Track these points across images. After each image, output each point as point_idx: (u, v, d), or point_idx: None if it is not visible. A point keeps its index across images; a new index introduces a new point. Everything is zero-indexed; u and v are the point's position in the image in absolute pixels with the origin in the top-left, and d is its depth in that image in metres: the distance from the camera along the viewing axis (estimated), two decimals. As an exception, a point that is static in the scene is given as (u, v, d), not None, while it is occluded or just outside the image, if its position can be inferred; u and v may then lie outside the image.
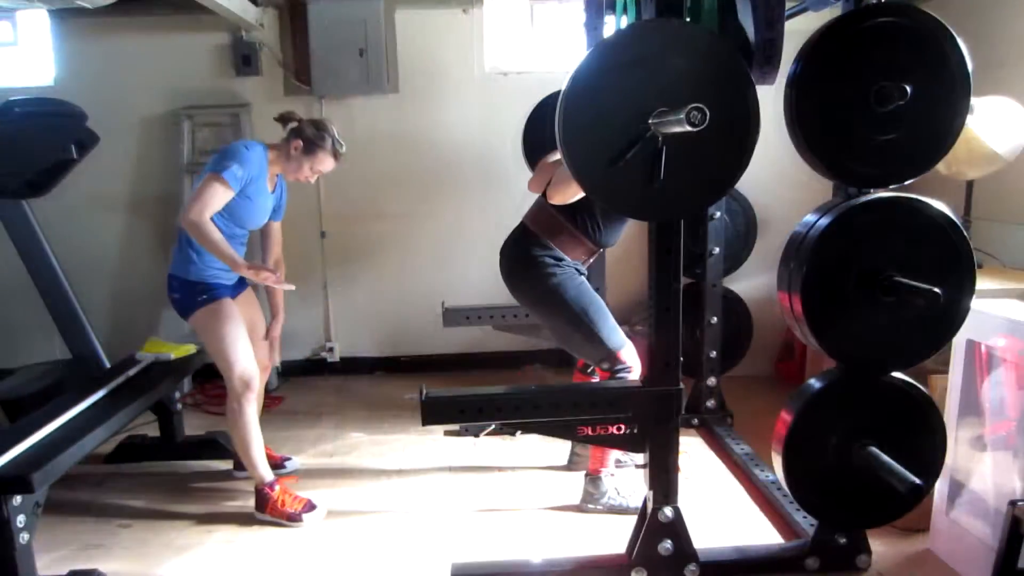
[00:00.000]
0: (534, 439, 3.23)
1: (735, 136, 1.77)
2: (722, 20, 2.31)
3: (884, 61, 1.81)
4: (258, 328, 2.88)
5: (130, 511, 2.75)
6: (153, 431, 3.23)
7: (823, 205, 1.98)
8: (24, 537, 2.05)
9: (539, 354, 4.36)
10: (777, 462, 2.05)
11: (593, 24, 2.77)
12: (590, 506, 2.64)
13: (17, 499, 2.02)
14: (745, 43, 2.29)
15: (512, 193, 4.09)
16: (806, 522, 2.35)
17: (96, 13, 3.38)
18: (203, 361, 3.21)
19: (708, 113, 1.55)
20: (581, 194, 2.31)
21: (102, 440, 2.40)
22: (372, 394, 4.03)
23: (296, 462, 3.09)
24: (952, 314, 1.92)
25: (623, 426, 2.07)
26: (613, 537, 2.40)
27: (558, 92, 1.76)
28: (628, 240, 2.96)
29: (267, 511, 2.60)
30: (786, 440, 2.00)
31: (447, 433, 3.40)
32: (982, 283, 2.12)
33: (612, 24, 2.75)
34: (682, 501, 2.11)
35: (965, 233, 1.89)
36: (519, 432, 3.27)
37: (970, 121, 2.31)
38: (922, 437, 2.01)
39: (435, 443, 3.32)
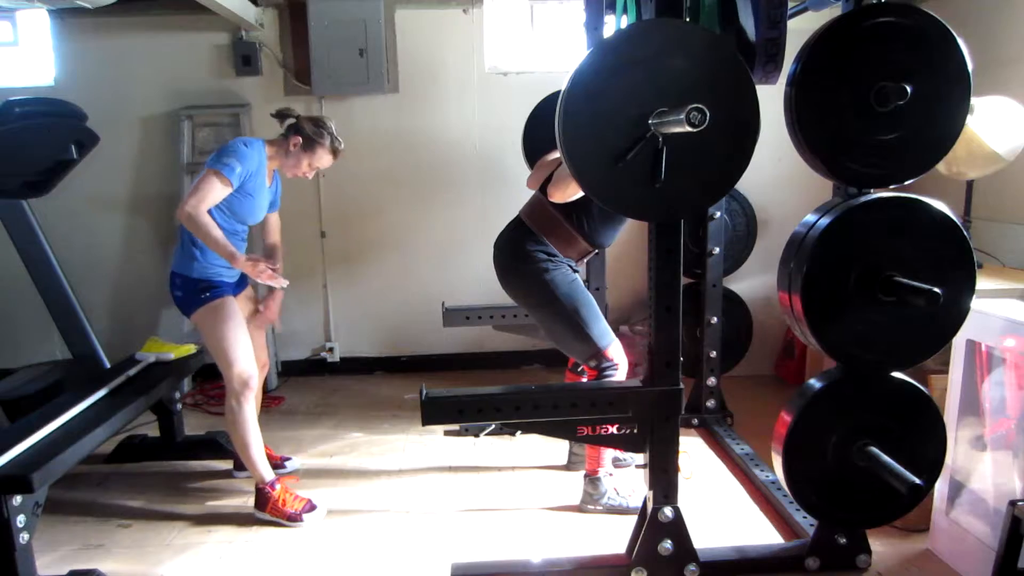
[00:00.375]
0: (534, 439, 3.24)
1: (735, 136, 1.77)
2: (722, 20, 2.31)
3: (884, 61, 1.81)
4: (261, 326, 2.88)
5: (130, 511, 2.75)
6: (153, 431, 3.23)
7: (823, 205, 1.98)
8: (24, 537, 2.05)
9: (539, 354, 4.37)
10: (777, 462, 2.05)
11: (593, 24, 2.77)
12: (590, 507, 2.64)
13: (17, 499, 2.02)
14: (746, 43, 2.29)
15: (512, 193, 4.08)
16: (806, 522, 2.35)
17: (96, 13, 3.39)
18: (203, 361, 3.22)
19: (708, 113, 1.55)
20: (580, 193, 2.31)
21: (102, 440, 2.40)
22: (372, 394, 4.03)
23: (296, 462, 3.09)
24: (952, 314, 1.92)
25: (623, 426, 2.08)
26: (613, 537, 2.40)
27: (558, 92, 1.76)
28: (628, 240, 2.96)
29: (267, 510, 2.60)
30: (786, 440, 2.00)
31: (447, 433, 3.40)
32: (982, 283, 2.13)
33: (612, 24, 2.75)
34: (682, 501, 2.11)
35: (965, 233, 1.89)
36: (519, 432, 3.27)
37: (970, 121, 2.32)
38: (922, 437, 2.01)
39: (435, 443, 3.32)
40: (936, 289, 1.73)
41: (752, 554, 2.23)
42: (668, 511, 2.08)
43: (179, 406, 3.20)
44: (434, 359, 4.36)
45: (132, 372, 2.86)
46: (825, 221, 1.89)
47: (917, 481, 1.80)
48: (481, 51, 4.06)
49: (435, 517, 2.65)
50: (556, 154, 2.47)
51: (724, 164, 1.81)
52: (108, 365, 3.21)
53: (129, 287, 4.16)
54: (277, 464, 2.93)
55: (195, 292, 2.57)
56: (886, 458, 1.91)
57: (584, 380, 2.67)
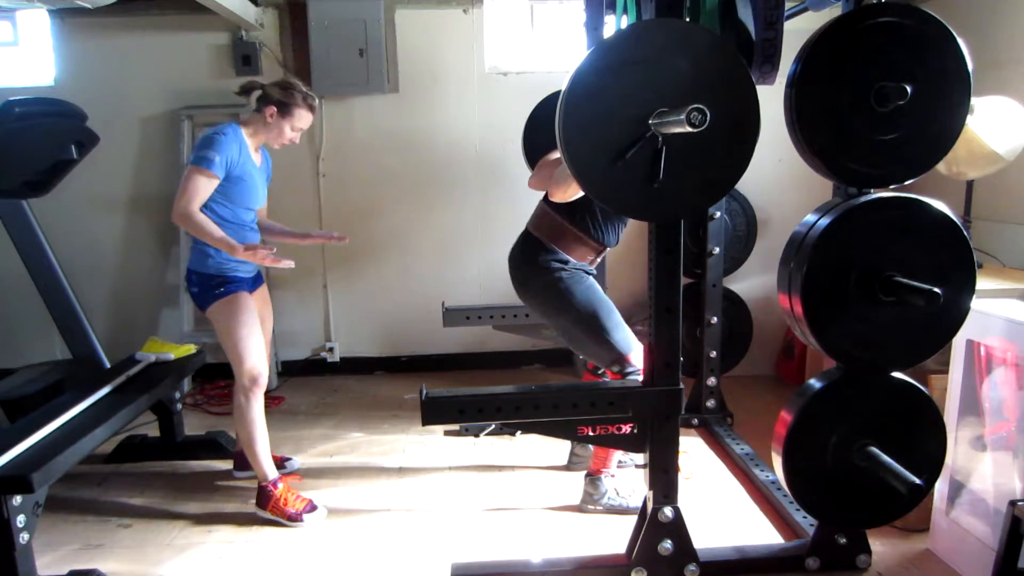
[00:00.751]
0: (534, 439, 3.24)
1: (735, 136, 1.77)
2: (722, 20, 2.31)
3: (884, 61, 1.81)
4: (267, 326, 2.88)
5: (130, 511, 2.75)
6: (153, 431, 3.23)
7: (823, 205, 1.98)
8: (24, 537, 2.05)
9: (539, 354, 4.37)
10: (777, 462, 2.05)
11: (593, 24, 2.77)
12: (590, 506, 2.64)
13: (17, 499, 2.02)
14: (746, 43, 2.29)
15: (512, 193, 4.10)
16: (806, 522, 2.35)
17: (96, 13, 3.39)
18: (203, 361, 3.22)
19: (708, 113, 1.55)
20: (581, 193, 2.31)
21: (102, 440, 2.40)
22: (372, 394, 4.03)
23: (296, 462, 3.09)
24: (952, 314, 1.92)
25: (623, 426, 2.08)
26: (613, 537, 2.40)
27: (558, 92, 1.76)
28: (628, 240, 2.96)
29: (268, 508, 2.60)
30: (786, 440, 2.00)
31: (447, 433, 3.40)
32: (982, 283, 2.12)
33: (612, 24, 2.75)
34: (682, 501, 2.12)
35: (965, 233, 1.89)
36: (519, 432, 3.27)
37: (970, 121, 2.31)
38: (922, 437, 2.01)
39: (435, 443, 3.32)
40: (936, 289, 1.73)
41: (752, 554, 2.23)
42: (668, 511, 2.09)
43: (179, 406, 3.20)
44: (434, 359, 4.36)
45: (132, 372, 2.86)
46: (825, 221, 1.89)
47: (917, 481, 1.80)
48: (481, 51, 4.06)
49: (435, 517, 2.65)
50: (557, 153, 2.47)
51: (724, 164, 1.81)
52: (108, 365, 3.21)
53: (129, 287, 4.16)
54: (278, 464, 2.92)
55: (210, 287, 2.58)
56: (886, 458, 1.91)
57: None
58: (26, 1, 3.03)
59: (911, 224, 1.88)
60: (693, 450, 3.11)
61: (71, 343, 3.32)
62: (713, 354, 3.32)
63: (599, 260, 2.56)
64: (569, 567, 2.19)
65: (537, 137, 3.29)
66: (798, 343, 3.98)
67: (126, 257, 4.15)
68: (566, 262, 2.44)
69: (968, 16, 3.28)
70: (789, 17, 2.28)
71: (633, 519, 2.21)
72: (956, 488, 2.26)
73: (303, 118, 2.62)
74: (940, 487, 2.25)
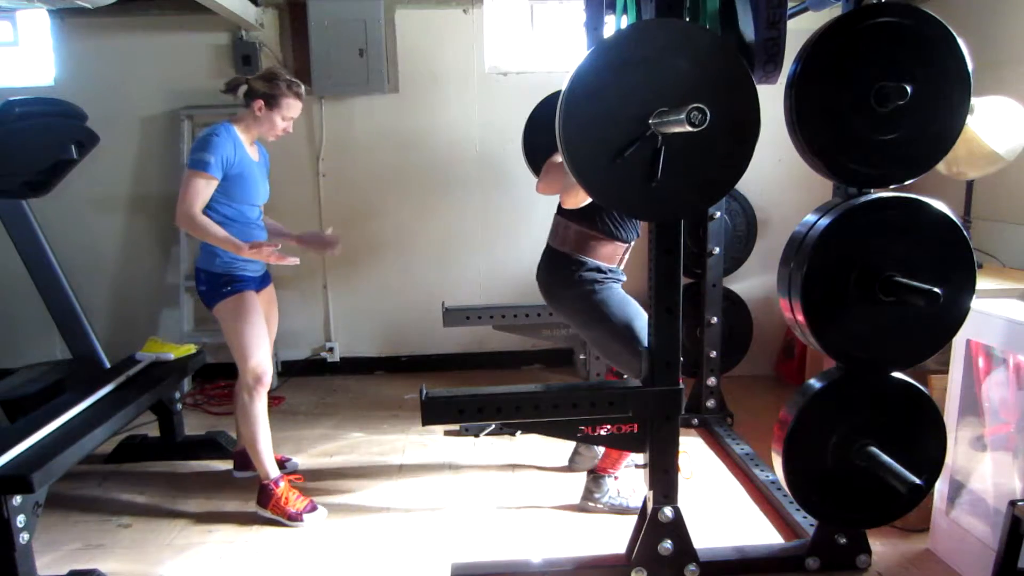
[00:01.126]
0: (534, 439, 3.24)
1: (735, 136, 1.77)
2: (723, 20, 2.31)
3: (884, 61, 1.81)
4: (272, 325, 2.88)
5: (130, 511, 2.75)
6: (153, 431, 3.23)
7: (823, 205, 1.98)
8: (24, 537, 2.05)
9: (539, 354, 4.37)
10: (777, 462, 2.05)
11: (593, 24, 2.77)
12: (590, 504, 2.64)
13: (17, 499, 2.02)
14: (746, 43, 2.29)
15: (512, 193, 4.10)
16: (806, 522, 2.35)
17: (96, 13, 3.39)
18: (203, 361, 3.22)
19: (708, 113, 1.55)
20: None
21: (102, 440, 2.40)
22: (372, 394, 4.03)
23: (296, 462, 3.09)
24: (952, 314, 1.92)
25: (623, 426, 2.08)
26: (613, 537, 2.40)
27: (558, 92, 1.76)
28: (628, 240, 2.95)
29: (269, 507, 2.60)
30: (786, 440, 2.00)
31: (447, 433, 3.40)
32: (982, 283, 2.12)
33: (612, 24, 2.75)
34: (682, 501, 2.12)
35: (965, 233, 1.89)
36: (519, 432, 3.27)
37: (970, 121, 2.31)
38: (922, 437, 2.01)
39: (435, 443, 3.32)
40: (936, 289, 1.73)
41: (752, 554, 2.23)
42: (668, 511, 2.09)
43: (179, 406, 3.20)
44: (434, 359, 4.36)
45: (132, 372, 2.86)
46: (825, 221, 1.89)
47: (917, 481, 1.80)
48: (481, 51, 4.06)
49: (435, 517, 2.65)
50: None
51: (724, 164, 1.81)
52: (108, 365, 3.21)
53: (129, 287, 4.16)
54: (279, 464, 2.93)
55: (218, 286, 2.58)
56: (886, 458, 1.91)
57: None
58: (26, 1, 3.04)
59: (911, 224, 1.88)
60: (693, 450, 3.11)
61: (71, 343, 3.32)
62: (713, 354, 3.33)
63: (626, 257, 2.55)
64: (569, 567, 2.19)
65: (537, 137, 3.29)
66: (798, 343, 3.98)
67: (126, 257, 4.15)
68: (596, 270, 2.43)
69: (968, 16, 3.28)
70: (789, 17, 2.27)
71: (633, 519, 2.21)
72: (956, 488, 2.26)
73: (291, 107, 2.61)
74: (940, 487, 2.25)
